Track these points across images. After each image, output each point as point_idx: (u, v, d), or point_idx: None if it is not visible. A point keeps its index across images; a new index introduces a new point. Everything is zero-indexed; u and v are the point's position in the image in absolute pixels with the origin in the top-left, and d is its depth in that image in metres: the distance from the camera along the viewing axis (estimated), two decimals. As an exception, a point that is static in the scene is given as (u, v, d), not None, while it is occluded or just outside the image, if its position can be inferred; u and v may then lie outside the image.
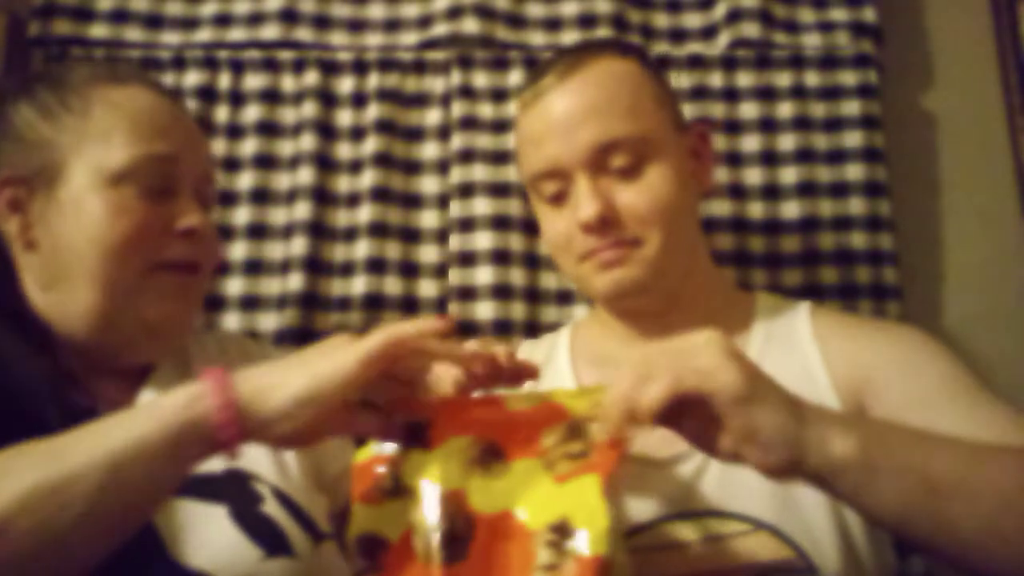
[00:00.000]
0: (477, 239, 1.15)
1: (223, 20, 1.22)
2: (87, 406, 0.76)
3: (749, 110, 1.20)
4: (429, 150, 1.20)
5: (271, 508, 0.75)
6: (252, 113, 1.19)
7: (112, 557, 0.60)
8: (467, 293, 1.14)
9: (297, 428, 0.62)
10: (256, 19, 1.21)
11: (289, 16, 1.20)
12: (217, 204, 1.16)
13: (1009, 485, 0.63)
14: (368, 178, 1.17)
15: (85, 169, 0.78)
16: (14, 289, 0.80)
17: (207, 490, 0.73)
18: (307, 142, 1.17)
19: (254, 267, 1.16)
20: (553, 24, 1.22)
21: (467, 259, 1.15)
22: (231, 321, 1.14)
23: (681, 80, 1.20)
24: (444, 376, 0.70)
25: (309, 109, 1.18)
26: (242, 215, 1.17)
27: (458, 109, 1.18)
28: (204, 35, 1.21)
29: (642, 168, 0.86)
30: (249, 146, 1.18)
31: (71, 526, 0.57)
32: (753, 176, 1.18)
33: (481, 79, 1.20)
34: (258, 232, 1.16)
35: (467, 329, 1.12)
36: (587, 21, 1.21)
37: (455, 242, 1.15)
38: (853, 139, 1.18)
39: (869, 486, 0.61)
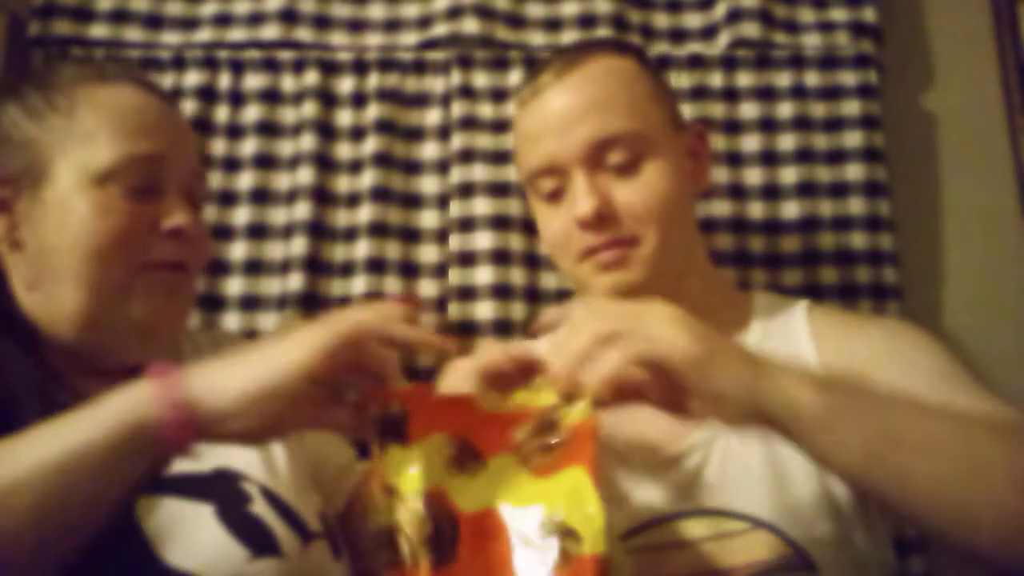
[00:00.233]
0: (477, 239, 1.15)
1: (223, 20, 1.21)
2: (74, 407, 0.75)
3: (749, 110, 1.20)
4: (429, 150, 1.20)
5: (259, 508, 0.74)
6: (252, 113, 1.19)
7: (96, 556, 0.59)
8: (467, 293, 1.14)
9: (255, 424, 0.60)
10: (256, 19, 1.21)
11: (289, 16, 1.20)
12: (216, 204, 1.16)
13: (981, 449, 0.63)
14: (368, 178, 1.17)
15: (70, 169, 0.77)
16: (1, 289, 0.79)
17: (194, 489, 0.72)
18: (307, 142, 1.17)
19: (254, 267, 1.15)
20: (553, 24, 1.22)
21: (467, 259, 1.15)
22: (231, 321, 1.14)
23: (681, 80, 1.19)
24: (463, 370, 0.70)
25: (309, 109, 1.18)
26: (242, 215, 1.17)
27: (458, 109, 1.18)
28: (204, 35, 1.21)
29: (639, 165, 0.87)
30: (249, 146, 1.18)
31: (15, 533, 0.56)
32: (753, 176, 1.18)
33: (481, 79, 1.20)
34: (258, 232, 1.16)
35: (467, 329, 1.12)
36: (587, 21, 1.21)
37: (455, 242, 1.15)
38: (853, 139, 1.18)
39: (831, 433, 0.62)
